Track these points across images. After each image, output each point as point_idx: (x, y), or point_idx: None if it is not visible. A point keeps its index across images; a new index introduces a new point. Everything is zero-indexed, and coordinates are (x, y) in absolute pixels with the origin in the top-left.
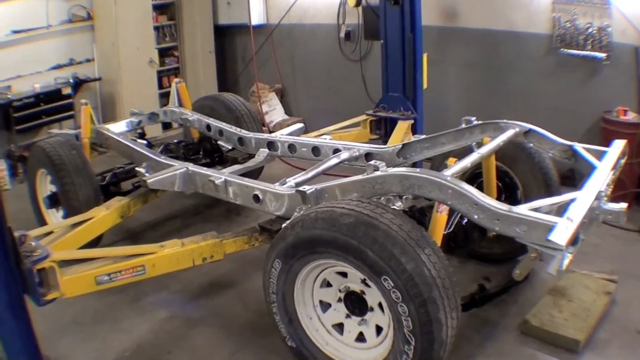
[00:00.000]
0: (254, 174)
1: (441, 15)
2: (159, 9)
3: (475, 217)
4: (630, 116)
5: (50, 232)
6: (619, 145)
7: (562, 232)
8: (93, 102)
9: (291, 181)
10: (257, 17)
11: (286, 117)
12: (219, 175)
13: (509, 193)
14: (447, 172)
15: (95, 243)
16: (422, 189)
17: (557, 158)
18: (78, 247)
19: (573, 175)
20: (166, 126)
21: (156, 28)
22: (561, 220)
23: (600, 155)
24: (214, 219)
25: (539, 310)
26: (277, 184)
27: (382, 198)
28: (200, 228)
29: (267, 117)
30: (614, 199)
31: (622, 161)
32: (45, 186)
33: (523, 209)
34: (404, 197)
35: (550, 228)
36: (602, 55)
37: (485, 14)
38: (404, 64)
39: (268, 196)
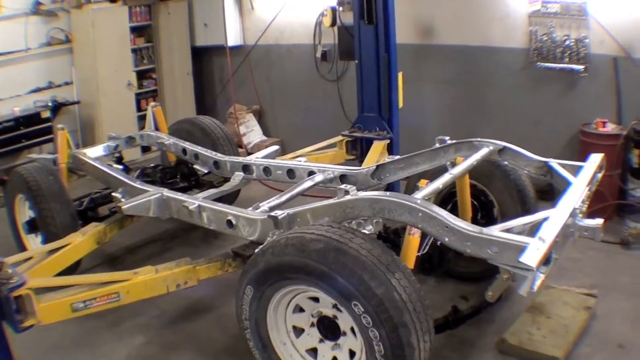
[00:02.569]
0: (231, 197)
1: (417, 33)
2: (136, 30)
3: (446, 239)
4: (609, 127)
5: (29, 258)
6: (595, 160)
7: (533, 253)
8: (72, 125)
9: (265, 205)
10: (233, 38)
11: (264, 138)
12: (193, 201)
13: (485, 211)
14: (418, 195)
15: (74, 268)
16: (392, 212)
17: (533, 175)
18: (55, 273)
19: (552, 190)
20: (145, 149)
21: (134, 50)
22: (533, 241)
23: (576, 171)
24: (192, 243)
25: (516, 328)
26: (251, 208)
27: (354, 222)
28: (179, 252)
29: (245, 138)
30: (594, 212)
31: (599, 175)
32: (25, 211)
33: (494, 230)
34: (375, 220)
35: (521, 249)
36: (580, 67)
37: (461, 30)
38: (379, 84)
39: (241, 221)
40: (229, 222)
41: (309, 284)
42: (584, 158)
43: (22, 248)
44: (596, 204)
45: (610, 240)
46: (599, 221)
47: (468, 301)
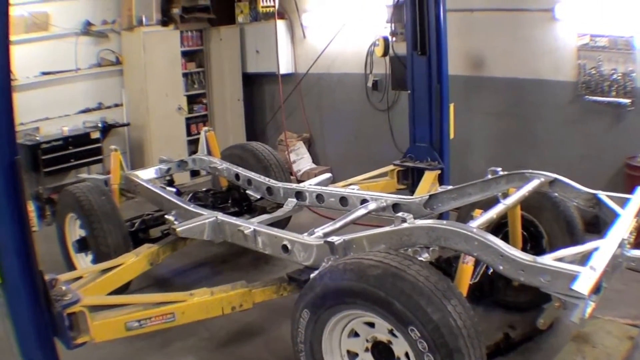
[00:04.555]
0: (282, 223)
1: (468, 65)
2: (187, 55)
3: (501, 267)
4: None
5: (80, 277)
6: None
7: (585, 281)
8: (121, 147)
9: (319, 231)
10: (285, 65)
11: (314, 165)
12: (248, 225)
13: (534, 242)
14: (473, 224)
15: (123, 289)
16: (448, 240)
17: (582, 207)
18: (107, 293)
19: (598, 223)
20: (194, 174)
21: (185, 75)
22: (584, 270)
23: (623, 203)
24: (242, 268)
25: (562, 357)
26: (306, 234)
27: (410, 249)
28: (229, 276)
29: (294, 165)
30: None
31: None
32: (75, 230)
33: (547, 259)
34: (431, 248)
35: (573, 277)
36: (627, 101)
37: (511, 62)
38: (430, 114)
39: (296, 246)
40: (285, 247)
41: (366, 309)
42: (629, 191)
43: (71, 267)
44: None
45: None
46: None
47: (516, 330)
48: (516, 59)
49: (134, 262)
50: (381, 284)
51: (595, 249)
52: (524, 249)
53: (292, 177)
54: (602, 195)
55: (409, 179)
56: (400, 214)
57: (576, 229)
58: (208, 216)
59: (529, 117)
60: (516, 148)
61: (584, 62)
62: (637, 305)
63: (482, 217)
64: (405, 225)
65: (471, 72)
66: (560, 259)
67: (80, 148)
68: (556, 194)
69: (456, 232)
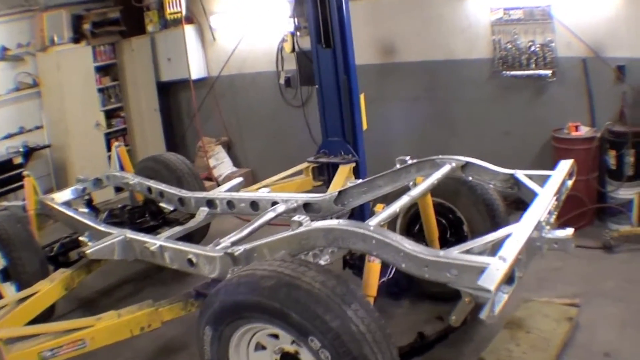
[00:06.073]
0: (201, 232)
1: (379, 53)
2: (102, 70)
3: (403, 265)
4: (583, 130)
5: (3, 307)
6: (563, 167)
7: (492, 274)
8: (45, 169)
9: (227, 241)
10: (197, 70)
11: (235, 169)
12: (154, 241)
13: (454, 229)
14: (373, 221)
15: (48, 314)
16: (346, 241)
17: (500, 189)
18: (26, 322)
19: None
20: (118, 189)
21: (101, 90)
22: (493, 261)
23: (544, 180)
24: (165, 282)
25: (495, 346)
26: (211, 245)
27: (310, 253)
28: (152, 292)
29: (215, 171)
30: (573, 218)
31: (570, 182)
32: None
33: (453, 252)
34: (330, 250)
35: (481, 270)
36: (548, 72)
37: (424, 45)
38: (340, 107)
39: (201, 259)
40: (190, 261)
41: (266, 322)
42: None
43: (0, 296)
44: (575, 209)
45: (592, 246)
46: (568, 231)
47: (444, 321)
48: (428, 42)
49: (48, 289)
50: (275, 295)
51: (508, 236)
52: (443, 238)
53: (213, 184)
54: (520, 174)
55: (325, 174)
56: (296, 217)
57: (497, 212)
58: (117, 235)
59: (447, 99)
60: (437, 133)
61: (498, 37)
62: (575, 283)
63: (383, 213)
64: (301, 229)
65: (383, 59)
66: (468, 251)
67: (4, 175)
68: (471, 178)
69: (353, 232)
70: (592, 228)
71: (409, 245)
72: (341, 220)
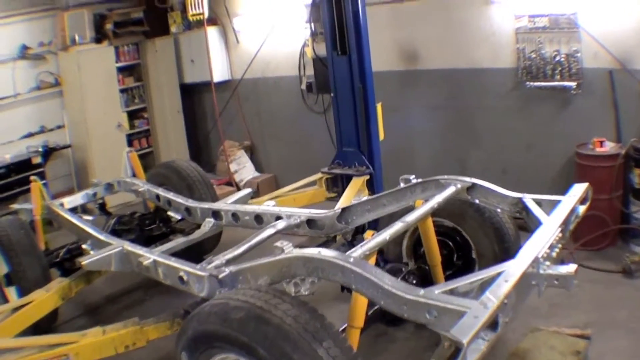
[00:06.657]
0: (211, 241)
1: (401, 59)
2: (125, 70)
3: (382, 302)
4: (608, 147)
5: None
6: (576, 192)
7: (469, 324)
8: (67, 169)
9: (222, 258)
10: (220, 73)
11: (257, 174)
12: (149, 256)
13: (461, 252)
14: (357, 251)
15: (51, 320)
16: (325, 272)
17: (507, 213)
18: (19, 331)
19: None
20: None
21: (124, 90)
22: (474, 306)
23: (554, 206)
24: (172, 291)
25: None
26: (203, 263)
27: (292, 281)
28: (159, 301)
29: (236, 176)
30: (594, 239)
31: (583, 208)
32: (2, 265)
33: (434, 292)
34: (310, 280)
35: (460, 315)
36: (573, 84)
37: (446, 52)
38: (356, 117)
39: (191, 278)
40: (181, 279)
41: (236, 353)
42: (580, 182)
43: (5, 300)
44: (597, 229)
45: (611, 269)
46: (570, 268)
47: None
48: (450, 49)
49: (44, 298)
50: (244, 328)
51: (499, 275)
52: (450, 261)
53: (233, 189)
54: (528, 199)
55: (339, 186)
56: (278, 243)
57: (506, 236)
58: (115, 246)
59: (469, 108)
60: (458, 142)
61: (523, 45)
62: (589, 310)
63: (370, 242)
64: (282, 256)
65: (405, 66)
66: (452, 290)
67: (22, 174)
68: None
69: (332, 263)
70: (614, 249)
71: (388, 281)
72: (323, 250)
